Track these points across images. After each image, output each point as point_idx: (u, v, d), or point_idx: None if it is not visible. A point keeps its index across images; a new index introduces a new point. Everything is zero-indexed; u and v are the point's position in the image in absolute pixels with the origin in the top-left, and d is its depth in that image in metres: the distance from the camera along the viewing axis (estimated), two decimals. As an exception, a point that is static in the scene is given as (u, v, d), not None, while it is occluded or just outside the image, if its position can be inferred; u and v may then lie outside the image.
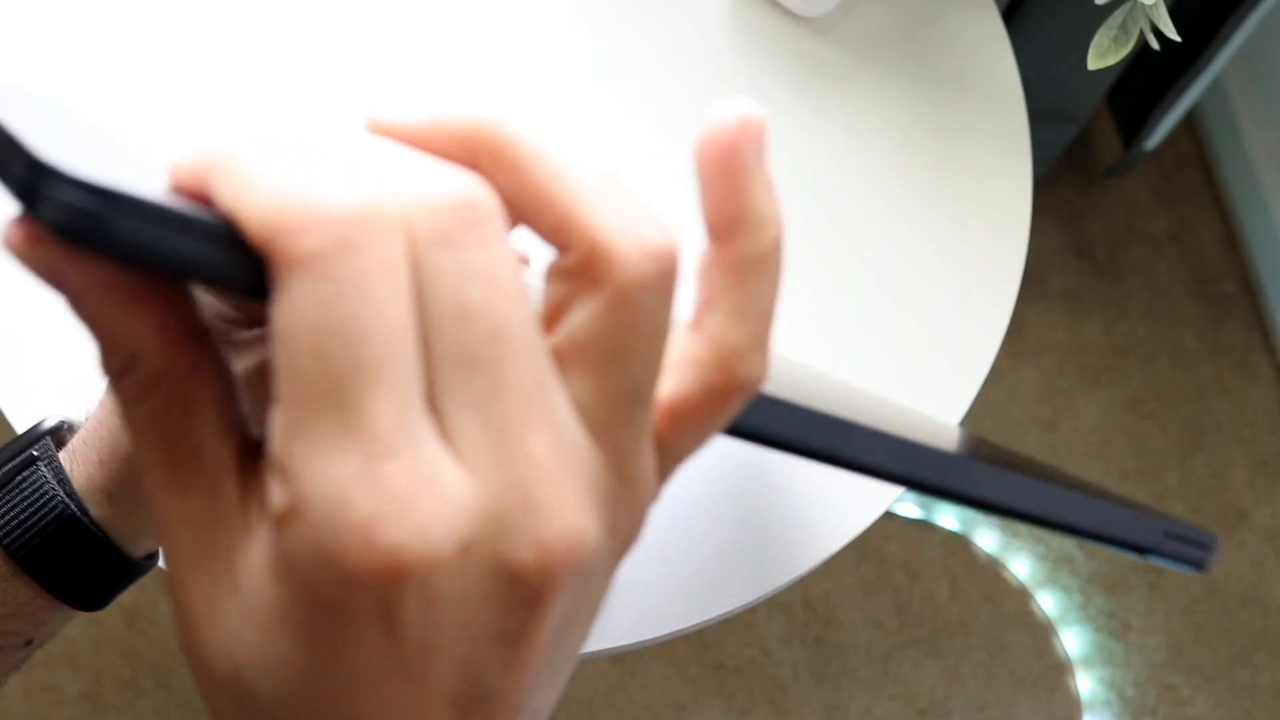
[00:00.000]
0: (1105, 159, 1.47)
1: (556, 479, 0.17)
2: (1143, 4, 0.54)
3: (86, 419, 0.36)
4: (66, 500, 0.35)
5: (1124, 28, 0.55)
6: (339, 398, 0.16)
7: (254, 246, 0.17)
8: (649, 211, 0.19)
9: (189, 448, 0.18)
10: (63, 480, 0.35)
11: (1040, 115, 0.97)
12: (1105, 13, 0.56)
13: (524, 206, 0.19)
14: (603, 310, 0.18)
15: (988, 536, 1.30)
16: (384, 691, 0.17)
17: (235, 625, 0.17)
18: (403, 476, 0.16)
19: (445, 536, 0.16)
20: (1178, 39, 0.54)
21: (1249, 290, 1.44)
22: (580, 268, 0.18)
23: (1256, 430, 1.38)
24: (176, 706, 1.18)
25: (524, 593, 0.17)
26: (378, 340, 0.16)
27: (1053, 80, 1.11)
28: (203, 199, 0.18)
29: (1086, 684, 1.26)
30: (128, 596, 1.20)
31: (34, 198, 0.16)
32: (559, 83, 0.63)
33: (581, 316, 0.18)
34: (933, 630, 1.26)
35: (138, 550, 0.37)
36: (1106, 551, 1.32)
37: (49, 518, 0.35)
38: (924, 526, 1.29)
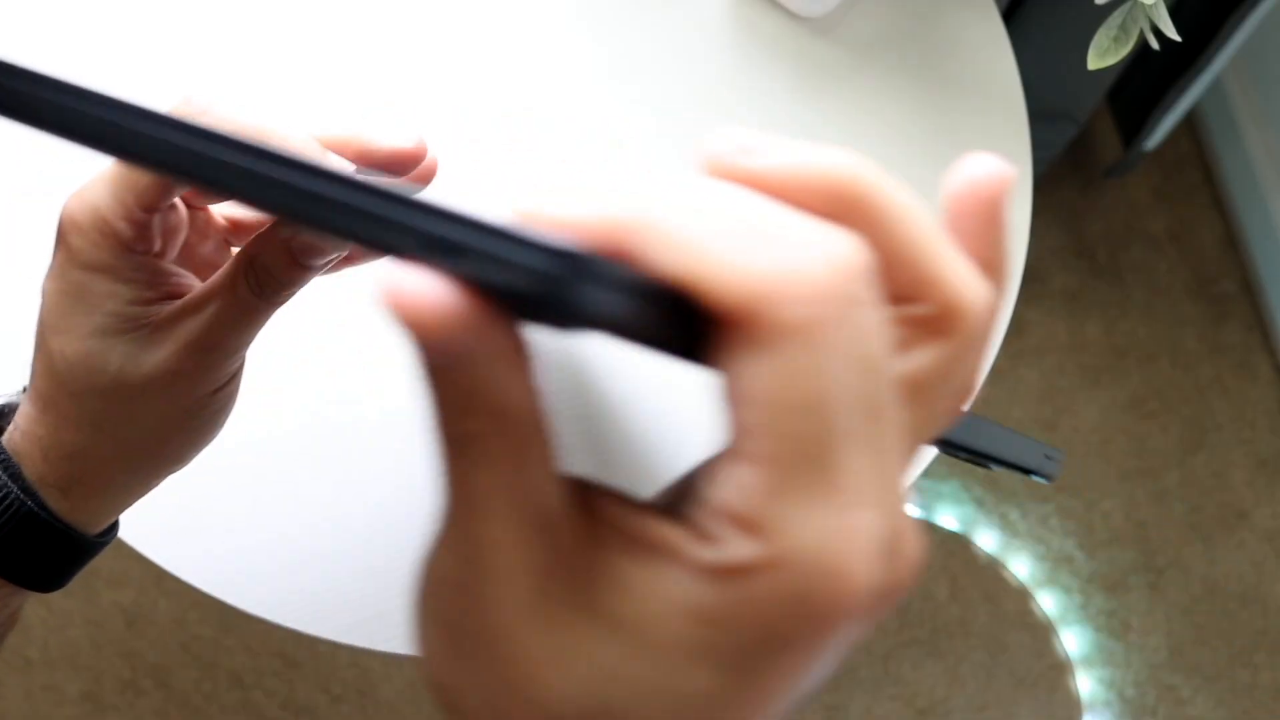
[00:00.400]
0: (1105, 159, 1.47)
1: (907, 507, 0.19)
2: (1143, 4, 0.54)
3: (18, 414, 0.36)
4: (22, 497, 0.35)
5: (1124, 28, 0.55)
6: (822, 459, 0.17)
7: (712, 312, 0.17)
8: (972, 265, 0.20)
9: (534, 500, 0.19)
10: (15, 475, 0.35)
11: (1040, 115, 0.97)
12: (1105, 13, 0.56)
13: (885, 261, 0.20)
14: (950, 356, 0.20)
15: (988, 536, 1.30)
16: (773, 708, 0.19)
17: (612, 662, 0.18)
18: (863, 527, 0.17)
19: (881, 573, 0.18)
20: (1178, 39, 0.54)
21: (1249, 290, 1.44)
22: (933, 320, 0.20)
23: (1256, 430, 1.38)
24: (176, 706, 1.18)
25: (881, 606, 0.19)
26: (854, 403, 0.17)
27: (1053, 80, 1.11)
28: (612, 254, 0.18)
29: (1086, 684, 1.26)
30: (127, 597, 1.20)
31: (493, 264, 0.16)
32: (559, 83, 0.63)
33: (928, 359, 0.20)
34: (933, 630, 1.26)
35: (93, 530, 0.37)
36: (1105, 554, 1.32)
37: (6, 515, 0.35)
38: (924, 526, 1.29)
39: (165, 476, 0.38)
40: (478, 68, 0.63)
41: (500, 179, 0.60)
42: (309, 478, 0.54)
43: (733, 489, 0.18)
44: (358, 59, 0.62)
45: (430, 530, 0.20)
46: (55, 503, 0.35)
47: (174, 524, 0.52)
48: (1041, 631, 1.27)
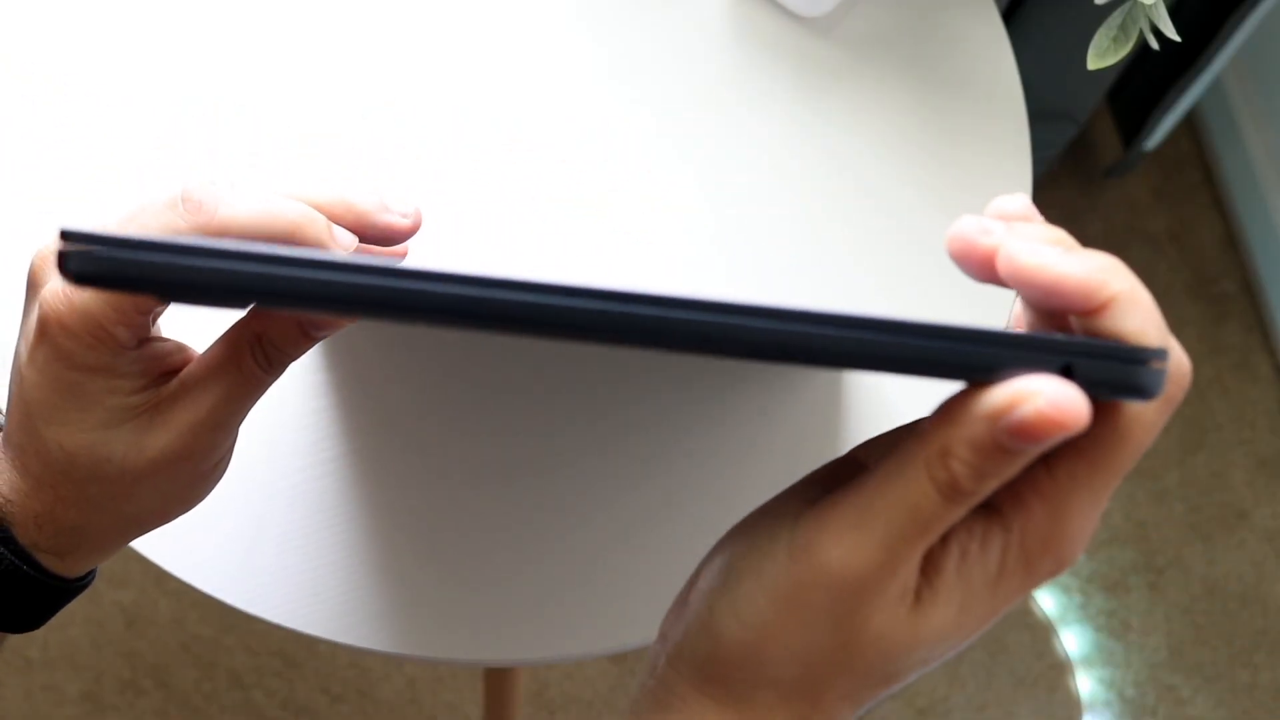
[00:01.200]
0: (1105, 159, 1.47)
1: None
2: (1143, 4, 0.54)
3: (2, 480, 0.34)
4: (17, 562, 0.34)
5: (1124, 28, 0.55)
6: (1119, 478, 0.26)
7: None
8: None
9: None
10: (6, 540, 0.34)
11: (1040, 115, 0.97)
12: (1105, 13, 0.56)
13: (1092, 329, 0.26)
14: (1157, 414, 0.25)
15: (988, 536, 1.30)
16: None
17: (922, 629, 0.26)
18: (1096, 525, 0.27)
19: None
20: (1178, 39, 0.54)
21: (1249, 290, 1.44)
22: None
23: (1256, 430, 1.38)
24: (176, 706, 1.18)
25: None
26: None
27: (1053, 80, 1.11)
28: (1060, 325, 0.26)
29: (1086, 684, 1.26)
30: (127, 597, 1.20)
31: (1100, 379, 0.23)
32: (559, 83, 0.63)
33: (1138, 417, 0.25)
34: (933, 630, 1.26)
35: (78, 574, 0.37)
36: (1104, 554, 1.32)
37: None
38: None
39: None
40: (478, 68, 0.63)
41: (500, 179, 0.60)
42: (309, 478, 0.54)
43: (1064, 479, 0.25)
44: (358, 59, 0.62)
45: (823, 531, 0.26)
46: (49, 564, 0.35)
47: (174, 524, 0.52)
48: (1041, 631, 1.27)
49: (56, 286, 0.31)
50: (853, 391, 0.58)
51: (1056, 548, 0.26)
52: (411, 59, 0.62)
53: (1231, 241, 1.46)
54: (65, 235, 0.23)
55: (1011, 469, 0.24)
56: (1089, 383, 0.23)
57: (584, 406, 0.56)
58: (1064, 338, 0.23)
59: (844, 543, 0.26)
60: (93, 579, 0.38)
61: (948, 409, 0.25)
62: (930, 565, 0.27)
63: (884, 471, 0.26)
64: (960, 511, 0.25)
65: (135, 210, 0.31)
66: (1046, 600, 1.29)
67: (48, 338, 0.31)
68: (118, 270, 0.23)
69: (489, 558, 0.53)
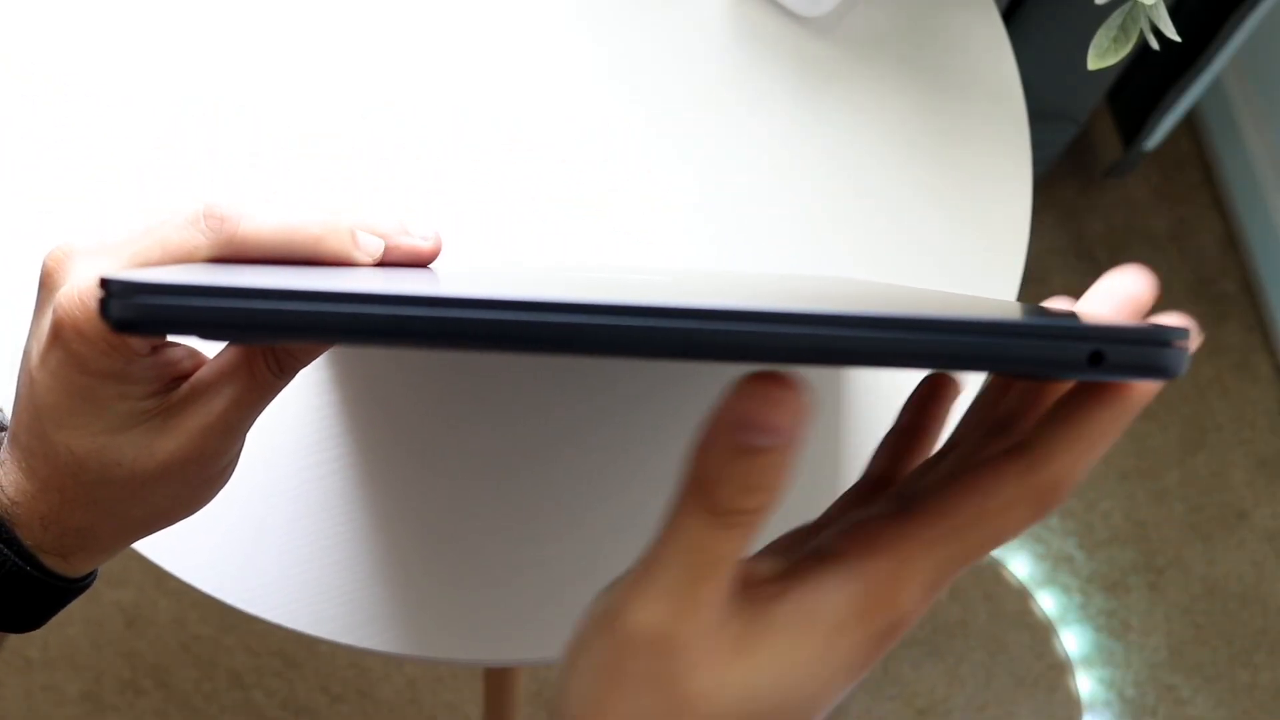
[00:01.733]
0: (1105, 159, 1.47)
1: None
2: (1143, 4, 0.54)
3: (8, 482, 0.34)
4: (20, 563, 0.34)
5: (1124, 28, 0.55)
6: (968, 565, 0.26)
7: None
8: None
9: (740, 563, 0.25)
10: (10, 540, 0.34)
11: (1040, 115, 0.97)
12: (1105, 13, 0.56)
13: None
14: (1016, 513, 0.26)
15: (988, 536, 1.30)
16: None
17: (758, 679, 0.25)
18: None
19: None
20: (1178, 39, 0.54)
21: (1249, 290, 1.44)
22: (1030, 469, 0.26)
23: (1256, 430, 1.38)
24: (176, 706, 1.18)
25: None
26: None
27: (1053, 80, 1.11)
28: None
29: (1086, 684, 1.26)
30: (127, 597, 1.20)
31: (1124, 362, 0.23)
32: (559, 83, 0.63)
33: (1011, 492, 0.26)
34: (932, 630, 1.26)
35: (81, 574, 0.37)
36: (1104, 554, 1.32)
37: (1, 579, 0.34)
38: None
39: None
40: (478, 68, 0.63)
41: (500, 179, 0.60)
42: (310, 478, 0.54)
43: (915, 537, 0.26)
44: (358, 59, 0.62)
45: (624, 595, 0.25)
46: (52, 564, 0.35)
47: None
48: (1041, 631, 1.27)
49: (71, 291, 0.30)
50: (853, 388, 0.58)
51: (894, 594, 0.25)
52: (411, 59, 0.62)
53: (1231, 241, 1.46)
54: (105, 284, 0.23)
55: (772, 474, 0.23)
56: (1119, 368, 0.23)
57: (585, 406, 0.56)
58: (1092, 324, 0.23)
59: (640, 599, 0.25)
60: (94, 579, 0.38)
61: (698, 441, 0.24)
62: (763, 605, 0.25)
63: (664, 516, 0.25)
64: (742, 538, 0.24)
65: (156, 224, 0.31)
66: (1046, 600, 1.29)
67: (61, 342, 0.31)
68: (159, 316, 0.23)
69: (489, 558, 0.53)
